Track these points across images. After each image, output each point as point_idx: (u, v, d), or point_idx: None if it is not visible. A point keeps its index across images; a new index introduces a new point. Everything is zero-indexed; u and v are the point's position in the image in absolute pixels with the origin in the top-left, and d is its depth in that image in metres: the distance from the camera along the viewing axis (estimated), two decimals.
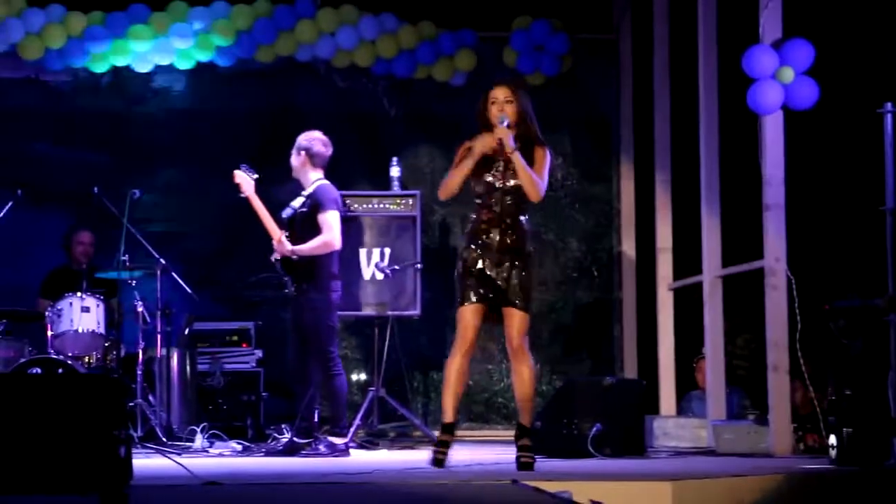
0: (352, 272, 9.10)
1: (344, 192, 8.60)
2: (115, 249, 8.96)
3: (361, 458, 7.87)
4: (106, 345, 9.00)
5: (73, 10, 9.93)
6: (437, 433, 7.00)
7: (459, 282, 6.69)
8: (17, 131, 10.37)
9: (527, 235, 6.72)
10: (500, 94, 6.74)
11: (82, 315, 8.90)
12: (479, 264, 6.61)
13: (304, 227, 8.08)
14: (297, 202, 8.17)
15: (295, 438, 8.00)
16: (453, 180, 6.68)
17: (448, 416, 6.66)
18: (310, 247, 7.96)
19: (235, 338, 9.59)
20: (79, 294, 8.92)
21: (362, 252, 9.20)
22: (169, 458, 6.61)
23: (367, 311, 9.28)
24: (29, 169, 10.29)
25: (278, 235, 7.79)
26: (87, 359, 8.93)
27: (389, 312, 9.10)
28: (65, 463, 5.19)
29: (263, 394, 9.47)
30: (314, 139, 8.21)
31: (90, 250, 9.65)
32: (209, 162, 10.36)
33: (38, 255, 10.13)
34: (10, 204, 9.24)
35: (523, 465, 6.54)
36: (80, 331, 8.86)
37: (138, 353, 8.91)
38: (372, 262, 9.12)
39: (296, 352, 8.22)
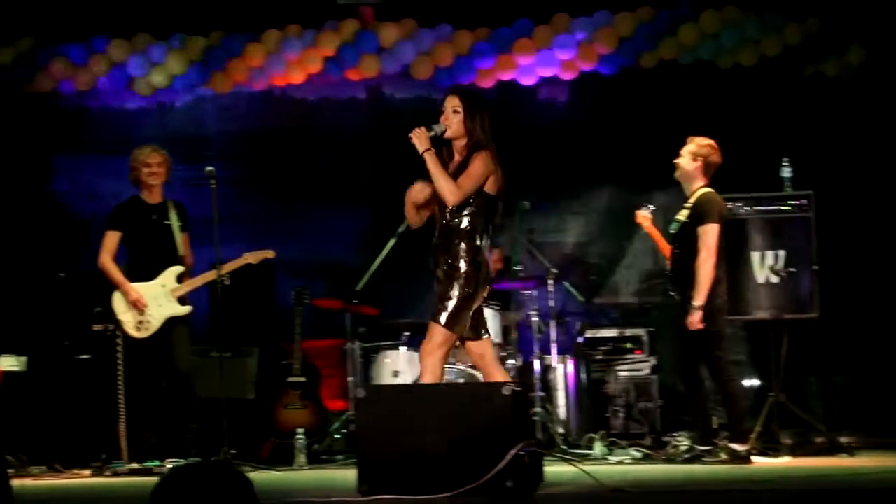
0: (743, 276, 8.90)
1: (733, 195, 8.45)
2: (509, 260, 9.15)
3: (763, 465, 7.69)
4: (503, 355, 9.18)
5: (461, 28, 10.18)
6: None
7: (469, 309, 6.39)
8: (410, 149, 10.71)
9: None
10: (448, 103, 6.52)
11: None
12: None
13: (688, 238, 8.00)
14: (682, 215, 8.09)
15: (696, 445, 7.91)
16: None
17: None
18: (701, 282, 7.88)
19: (629, 345, 9.56)
20: None
21: (754, 255, 8.98)
22: (574, 465, 6.65)
23: (761, 314, 9.05)
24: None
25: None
26: None
27: (786, 316, 8.84)
28: (476, 470, 5.31)
29: (659, 401, 9.41)
30: (712, 148, 8.10)
31: (499, 266, 9.86)
32: (595, 170, 10.42)
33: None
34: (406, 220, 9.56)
35: None
36: None
37: (534, 362, 9.06)
38: (765, 265, 8.89)
39: (685, 358, 8.13)
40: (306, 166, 10.79)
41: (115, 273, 8.35)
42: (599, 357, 9.54)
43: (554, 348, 9.19)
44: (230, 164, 9.91)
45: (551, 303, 9.14)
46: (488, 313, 9.07)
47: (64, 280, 9.45)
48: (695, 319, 7.83)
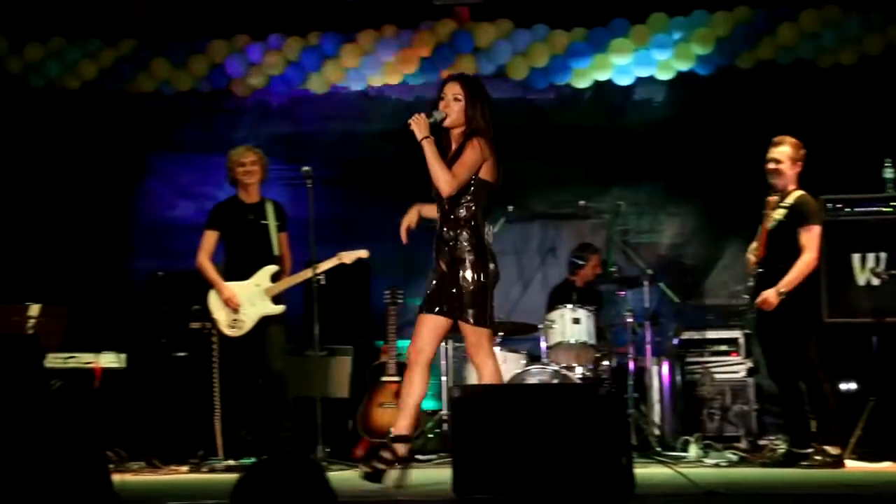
0: (843, 278, 8.76)
1: (834, 196, 8.33)
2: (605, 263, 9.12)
3: (862, 469, 7.57)
4: (597, 356, 9.15)
5: (556, 28, 10.15)
6: None
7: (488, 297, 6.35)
8: (505, 150, 10.71)
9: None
10: (448, 90, 6.41)
11: (573, 326, 9.12)
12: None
13: (783, 239, 7.90)
14: (778, 214, 7.99)
15: (792, 448, 7.81)
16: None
17: None
18: (796, 275, 7.80)
19: (724, 347, 9.47)
20: (569, 306, 9.16)
21: (854, 257, 8.84)
22: (670, 467, 6.60)
23: (861, 317, 8.91)
24: (516, 185, 10.64)
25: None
26: (579, 369, 9.12)
27: (887, 319, 8.69)
28: (570, 472, 5.29)
29: (755, 404, 9.30)
30: (804, 150, 8.02)
31: (597, 271, 9.83)
32: (691, 171, 10.34)
33: (527, 268, 10.50)
34: (502, 220, 9.58)
35: None
36: (572, 342, 9.08)
37: (628, 364, 9.01)
38: (866, 268, 8.75)
39: (778, 361, 8.03)
40: (401, 167, 10.80)
41: (211, 272, 8.45)
42: (695, 359, 9.45)
43: (648, 350, 9.14)
44: (326, 164, 9.97)
45: (646, 304, 9.09)
46: (582, 314, 9.11)
47: (162, 279, 9.58)
48: (772, 300, 7.73)
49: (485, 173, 6.37)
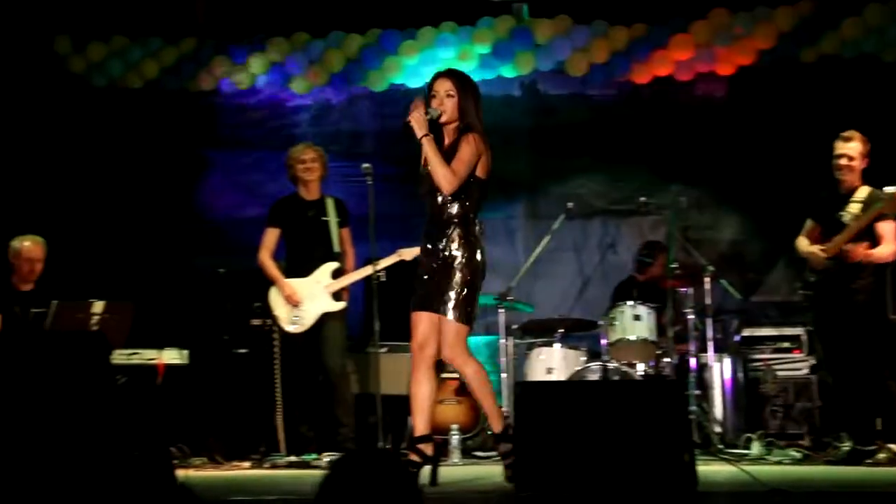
0: None
1: None
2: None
3: None
4: (658, 352, 9.11)
5: (616, 24, 10.11)
6: None
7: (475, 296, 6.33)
8: (565, 146, 10.72)
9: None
10: (440, 87, 6.33)
11: (634, 323, 9.08)
12: None
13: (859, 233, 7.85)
14: (854, 209, 7.91)
15: (856, 446, 7.74)
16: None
17: None
18: (879, 256, 7.74)
19: (787, 344, 9.39)
20: (630, 303, 9.13)
21: None
22: (733, 464, 6.56)
23: None
24: (576, 182, 10.63)
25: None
26: (640, 366, 9.08)
27: None
28: (633, 469, 5.28)
29: (819, 401, 9.22)
30: (869, 143, 7.94)
31: (660, 271, 9.76)
32: (752, 167, 10.27)
33: (586, 264, 10.50)
34: (562, 217, 9.56)
35: None
36: (633, 338, 9.04)
37: (689, 360, 8.96)
38: None
39: (839, 358, 7.95)
40: None
41: (272, 269, 8.49)
42: (757, 356, 9.38)
43: (710, 346, 9.09)
44: (386, 160, 9.98)
45: (708, 300, 9.04)
46: (643, 310, 9.07)
47: (224, 276, 9.64)
48: (859, 252, 7.69)
49: (479, 169, 6.33)
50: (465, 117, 6.31)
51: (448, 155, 6.26)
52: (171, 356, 8.72)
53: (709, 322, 9.07)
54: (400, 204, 10.16)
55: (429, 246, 6.37)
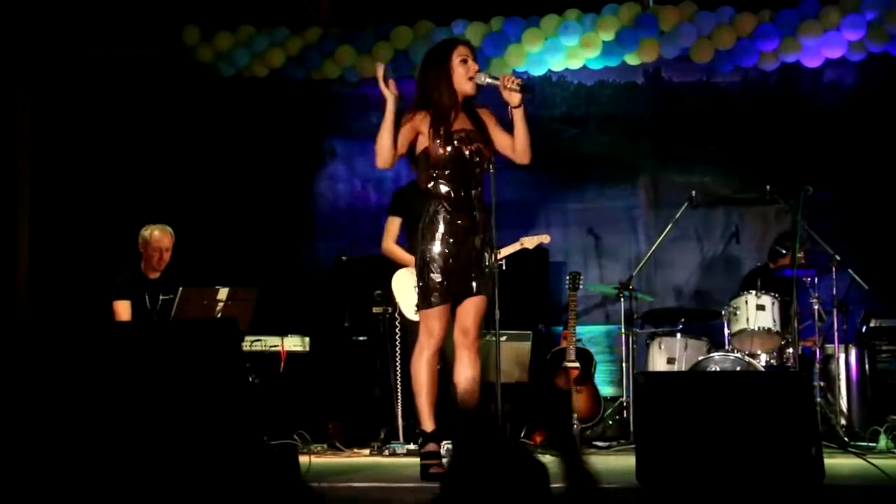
0: None
1: None
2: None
3: None
4: (782, 343, 8.97)
5: (743, 10, 9.95)
6: None
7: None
8: (689, 134, 10.61)
9: None
10: (468, 52, 6.18)
11: (757, 313, 8.96)
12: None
13: None
14: None
15: None
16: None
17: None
18: None
19: None
20: (753, 292, 9.01)
21: None
22: (861, 457, 6.43)
23: None
24: (700, 170, 10.52)
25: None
26: (763, 356, 8.95)
27: None
28: (757, 461, 5.20)
29: None
30: None
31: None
32: (883, 155, 10.08)
33: (709, 253, 10.41)
34: (685, 205, 9.46)
35: None
36: (756, 328, 8.92)
37: (815, 352, 8.81)
38: None
39: None
40: (582, 151, 10.78)
41: (399, 251, 8.44)
42: (885, 347, 9.18)
43: (836, 338, 8.93)
44: None
45: (834, 291, 8.88)
46: (767, 300, 8.93)
47: (346, 263, 9.71)
48: None
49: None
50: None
51: (486, 129, 6.20)
52: (293, 343, 8.81)
53: (834, 313, 8.91)
54: (521, 192, 10.16)
55: (471, 228, 6.18)
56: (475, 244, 6.16)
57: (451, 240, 6.11)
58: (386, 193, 9.24)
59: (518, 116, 6.10)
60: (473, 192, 6.18)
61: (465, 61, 6.14)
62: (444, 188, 6.14)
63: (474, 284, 6.15)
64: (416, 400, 6.28)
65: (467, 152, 6.12)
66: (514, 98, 6.06)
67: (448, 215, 6.12)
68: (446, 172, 6.12)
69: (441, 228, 6.11)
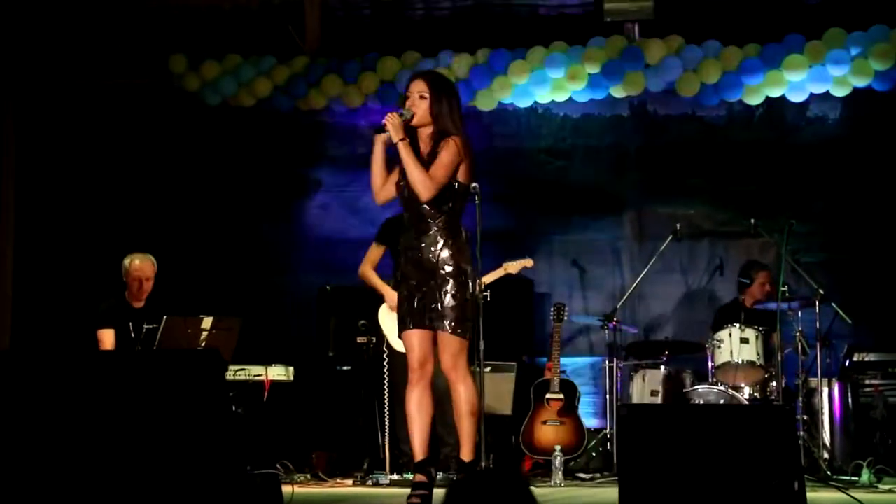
0: None
1: None
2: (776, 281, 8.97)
3: None
4: (765, 376, 8.98)
5: (728, 44, 9.99)
6: None
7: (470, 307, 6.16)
8: (674, 167, 10.64)
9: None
10: (414, 88, 6.16)
11: (741, 346, 8.97)
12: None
13: None
14: None
15: None
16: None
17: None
18: None
19: None
20: (737, 325, 9.03)
21: None
22: (843, 492, 6.44)
23: None
24: (685, 203, 10.54)
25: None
26: (747, 390, 8.96)
27: None
28: (740, 494, 5.20)
29: None
30: None
31: (767, 288, 9.61)
32: (866, 189, 10.13)
33: (693, 286, 10.43)
34: (669, 238, 9.49)
35: None
36: (740, 362, 8.93)
37: (798, 385, 8.83)
38: None
39: None
40: (568, 183, 10.80)
41: (374, 279, 8.45)
42: (868, 381, 9.20)
43: (819, 371, 8.94)
44: (493, 180, 9.97)
45: (817, 324, 8.90)
46: (751, 333, 8.95)
47: (330, 293, 9.70)
48: None
49: (461, 175, 6.19)
50: (438, 120, 6.18)
51: (427, 162, 6.13)
52: (277, 372, 8.80)
53: (818, 346, 8.93)
54: (506, 223, 10.18)
55: (416, 258, 6.20)
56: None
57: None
58: (371, 223, 9.24)
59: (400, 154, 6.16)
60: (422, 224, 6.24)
61: (408, 97, 6.24)
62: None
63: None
64: (408, 429, 6.34)
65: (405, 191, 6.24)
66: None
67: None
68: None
69: None
